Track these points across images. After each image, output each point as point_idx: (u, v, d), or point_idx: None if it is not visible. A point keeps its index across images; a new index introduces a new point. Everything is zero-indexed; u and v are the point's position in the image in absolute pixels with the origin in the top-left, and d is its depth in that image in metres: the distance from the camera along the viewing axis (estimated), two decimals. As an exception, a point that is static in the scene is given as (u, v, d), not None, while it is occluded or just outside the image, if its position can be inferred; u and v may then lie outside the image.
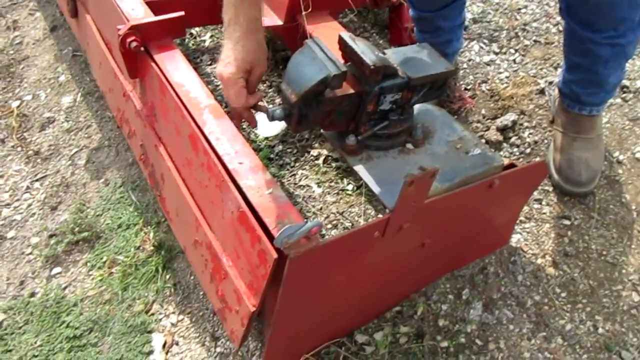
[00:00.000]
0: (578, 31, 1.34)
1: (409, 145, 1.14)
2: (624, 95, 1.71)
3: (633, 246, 1.41)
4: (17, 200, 1.67)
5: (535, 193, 1.51)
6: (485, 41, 1.92)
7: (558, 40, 1.85)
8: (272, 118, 1.02)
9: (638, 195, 1.49)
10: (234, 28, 1.02)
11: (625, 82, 1.72)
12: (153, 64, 1.27)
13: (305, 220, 0.93)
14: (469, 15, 2.00)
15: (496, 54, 1.88)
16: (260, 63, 1.04)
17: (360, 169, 1.09)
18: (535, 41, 1.89)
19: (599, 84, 1.43)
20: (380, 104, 1.07)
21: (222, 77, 1.03)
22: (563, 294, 1.34)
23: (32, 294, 1.45)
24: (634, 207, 1.47)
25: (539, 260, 1.40)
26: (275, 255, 0.91)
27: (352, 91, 1.03)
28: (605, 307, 1.32)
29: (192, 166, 1.16)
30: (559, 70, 1.66)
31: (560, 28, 1.87)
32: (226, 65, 1.02)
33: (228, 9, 1.04)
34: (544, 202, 1.50)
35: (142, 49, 1.29)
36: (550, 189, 1.52)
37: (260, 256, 0.95)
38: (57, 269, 1.50)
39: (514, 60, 1.85)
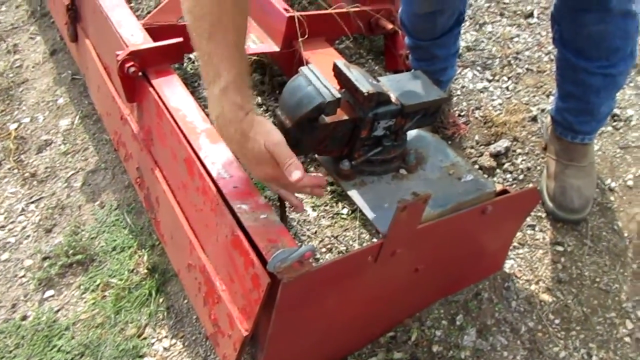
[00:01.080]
0: (571, 60, 1.37)
1: (402, 171, 1.16)
2: (615, 123, 1.73)
3: (626, 273, 1.42)
4: (12, 222, 1.67)
5: (528, 219, 1.52)
6: (479, 69, 1.95)
7: (550, 68, 1.89)
8: None
9: (630, 223, 1.50)
10: (227, 128, 0.96)
11: (616, 110, 1.75)
12: (151, 89, 1.28)
13: (298, 244, 0.93)
14: (462, 44, 2.04)
15: (489, 81, 1.91)
16: (269, 138, 0.96)
17: (354, 194, 1.10)
18: (527, 69, 1.93)
19: (590, 112, 1.45)
20: (374, 130, 1.08)
21: (273, 180, 0.99)
22: (557, 321, 1.34)
23: (24, 317, 1.44)
24: (626, 235, 1.48)
25: (533, 287, 1.40)
26: (268, 280, 0.91)
27: (346, 117, 1.05)
28: (599, 334, 1.32)
29: (187, 190, 1.17)
30: (551, 98, 1.68)
31: (552, 57, 1.90)
32: (258, 165, 0.97)
33: (212, 105, 0.97)
34: (537, 228, 1.51)
35: (140, 73, 1.31)
36: (544, 215, 1.53)
37: (253, 280, 0.95)
38: (49, 292, 1.49)
39: (507, 88, 1.88)
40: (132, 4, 2.15)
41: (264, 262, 0.92)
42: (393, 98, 1.08)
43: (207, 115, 1.08)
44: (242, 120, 0.95)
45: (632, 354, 1.28)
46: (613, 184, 1.58)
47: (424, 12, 1.50)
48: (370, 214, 1.06)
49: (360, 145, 1.10)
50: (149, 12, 1.94)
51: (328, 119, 1.02)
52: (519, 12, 2.16)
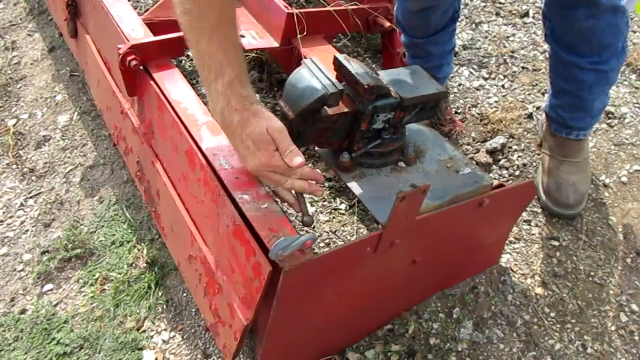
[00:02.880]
0: (563, 56, 1.39)
1: (401, 164, 1.17)
2: (609, 121, 1.76)
3: (620, 267, 1.44)
4: (11, 217, 1.67)
5: (524, 214, 1.54)
6: (475, 67, 1.98)
7: (545, 67, 1.91)
8: None
9: (624, 218, 1.52)
10: (231, 115, 0.97)
11: (610, 108, 1.78)
12: (152, 82, 1.29)
13: (299, 233, 0.95)
14: (459, 42, 2.06)
15: (485, 79, 1.93)
16: (272, 124, 0.97)
17: (353, 185, 1.11)
18: (523, 68, 1.95)
19: (584, 108, 1.47)
20: (373, 122, 1.10)
21: (266, 165, 0.98)
22: (552, 314, 1.36)
23: (23, 311, 1.44)
24: (620, 230, 1.50)
25: (529, 280, 1.42)
26: (269, 268, 0.92)
27: (347, 110, 1.06)
28: (593, 327, 1.33)
29: (188, 181, 1.18)
30: (546, 95, 1.71)
31: (547, 56, 1.93)
32: (254, 152, 0.97)
33: (214, 99, 0.98)
34: (533, 223, 1.53)
35: (141, 67, 1.32)
36: (539, 210, 1.55)
37: (254, 269, 0.96)
38: (48, 286, 1.50)
39: (503, 86, 1.91)
40: (130, 1, 2.16)
41: (265, 251, 0.93)
42: (392, 91, 1.10)
43: (208, 108, 1.08)
44: (248, 108, 0.97)
45: (626, 346, 1.30)
46: (607, 180, 1.60)
47: (417, 8, 1.52)
48: (369, 205, 1.08)
49: (360, 137, 1.11)
50: (147, 10, 1.95)
51: (330, 111, 1.03)
52: (514, 12, 2.19)
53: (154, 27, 1.48)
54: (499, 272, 1.43)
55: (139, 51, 1.30)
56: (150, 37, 1.37)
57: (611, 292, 1.39)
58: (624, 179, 1.60)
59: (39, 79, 2.10)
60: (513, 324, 1.34)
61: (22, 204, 1.70)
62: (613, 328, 1.33)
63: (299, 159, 0.94)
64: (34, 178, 1.77)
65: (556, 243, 1.49)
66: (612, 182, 1.60)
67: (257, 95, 1.90)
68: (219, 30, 0.95)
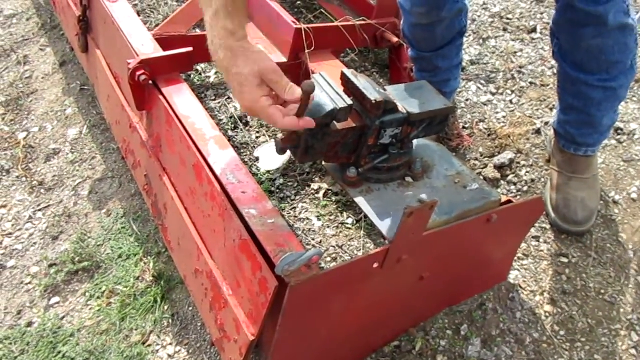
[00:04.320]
0: (571, 73, 1.39)
1: (409, 179, 1.17)
2: (618, 137, 1.75)
3: (631, 285, 1.42)
4: (19, 229, 1.68)
5: (532, 230, 1.52)
6: (483, 82, 1.98)
7: (553, 82, 1.91)
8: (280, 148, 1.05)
9: (634, 235, 1.51)
10: (216, 53, 0.95)
11: (619, 124, 1.77)
12: (161, 97, 1.30)
13: (306, 248, 0.94)
14: (466, 57, 2.06)
15: (493, 94, 1.93)
16: (265, 65, 0.94)
17: (360, 200, 1.11)
18: (531, 83, 1.95)
19: (592, 125, 1.47)
20: (380, 137, 1.10)
21: (251, 110, 0.96)
22: (562, 332, 1.34)
23: (29, 324, 1.45)
24: (630, 247, 1.49)
25: (538, 298, 1.40)
26: (276, 283, 0.92)
27: (355, 125, 1.06)
28: (604, 346, 1.31)
29: (195, 195, 1.18)
30: (554, 111, 1.70)
31: (555, 71, 1.92)
32: (241, 93, 0.95)
33: (207, 32, 0.96)
34: (541, 240, 1.52)
35: (151, 82, 1.34)
36: (548, 226, 1.54)
37: (261, 284, 0.96)
38: (55, 299, 1.50)
39: (511, 101, 1.90)
40: (140, 17, 2.19)
41: (271, 266, 0.93)
42: (400, 106, 1.10)
43: (216, 122, 1.09)
44: (231, 46, 0.94)
45: (638, 366, 1.28)
46: (617, 197, 1.59)
47: (423, 22, 1.53)
48: (376, 221, 1.07)
49: (367, 152, 1.11)
50: (157, 25, 1.97)
51: (339, 126, 1.04)
52: (522, 28, 2.19)
53: (164, 42, 1.49)
54: (507, 289, 1.42)
55: (148, 66, 1.31)
56: (160, 52, 1.38)
57: (622, 310, 1.37)
58: (634, 195, 1.59)
59: (50, 93, 2.13)
60: (522, 342, 1.32)
61: (30, 217, 1.71)
62: (624, 347, 1.31)
63: (296, 91, 0.94)
64: (43, 191, 1.78)
65: (565, 260, 1.47)
66: (621, 198, 1.59)
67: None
68: None
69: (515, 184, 1.65)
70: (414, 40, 1.63)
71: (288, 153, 1.10)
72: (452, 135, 1.74)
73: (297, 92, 0.94)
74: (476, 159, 1.72)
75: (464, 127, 1.82)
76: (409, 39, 1.65)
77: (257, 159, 1.73)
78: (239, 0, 0.95)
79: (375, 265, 0.99)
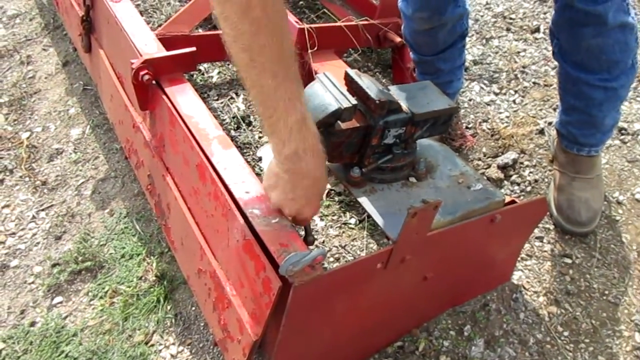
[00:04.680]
0: (571, 73, 1.38)
1: (412, 179, 1.17)
2: (622, 137, 1.74)
3: (635, 286, 1.41)
4: (22, 229, 1.68)
5: (536, 231, 1.52)
6: (486, 82, 1.97)
7: (556, 82, 1.90)
8: None
9: (638, 236, 1.50)
10: (310, 159, 0.88)
11: (623, 124, 1.76)
12: (164, 96, 1.30)
13: (309, 249, 0.94)
14: (469, 57, 2.06)
15: (496, 94, 1.93)
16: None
17: (364, 200, 1.11)
18: (534, 83, 1.95)
19: (594, 125, 1.46)
20: (384, 137, 1.10)
21: (299, 217, 0.97)
22: (565, 333, 1.34)
23: (32, 323, 1.45)
24: (634, 247, 1.48)
25: (541, 298, 1.40)
26: (279, 283, 0.91)
27: (359, 125, 1.06)
28: (608, 347, 1.31)
29: (198, 195, 1.18)
30: (557, 111, 1.70)
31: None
32: (310, 207, 0.96)
33: (279, 138, 0.87)
34: (545, 240, 1.51)
35: (154, 82, 1.34)
36: (551, 227, 1.54)
37: (264, 284, 0.96)
38: (58, 299, 1.50)
39: (514, 101, 1.90)
40: (143, 17, 2.19)
41: (275, 266, 0.93)
42: (403, 107, 1.10)
43: (219, 122, 1.08)
44: (320, 152, 0.90)
45: (642, 367, 1.27)
46: (621, 197, 1.59)
47: (424, 28, 1.52)
48: (380, 221, 1.07)
49: (371, 152, 1.11)
50: (160, 25, 1.98)
51: (343, 125, 1.04)
52: (525, 27, 2.19)
53: (167, 42, 1.49)
54: (510, 290, 1.41)
55: (151, 66, 1.31)
56: (163, 52, 1.38)
57: (626, 311, 1.37)
58: (638, 196, 1.58)
59: (53, 93, 2.13)
60: (525, 343, 1.32)
61: (34, 217, 1.71)
62: (628, 348, 1.30)
63: None
64: (46, 191, 1.79)
65: (569, 260, 1.47)
66: (625, 199, 1.58)
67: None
68: (282, 64, 0.84)
69: (518, 184, 1.64)
70: (415, 44, 1.63)
71: None
72: (456, 136, 1.74)
73: None
74: (479, 159, 1.72)
75: (467, 127, 1.82)
76: (410, 44, 1.65)
77: (260, 158, 1.73)
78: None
79: (379, 266, 0.99)
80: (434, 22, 1.49)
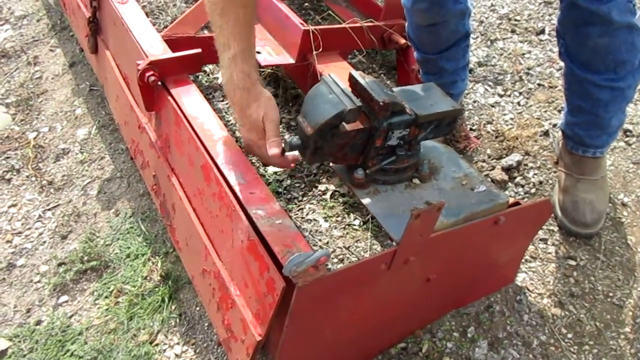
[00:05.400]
0: (578, 73, 1.38)
1: (416, 180, 1.17)
2: (627, 138, 1.74)
3: (639, 288, 1.41)
4: (29, 228, 1.70)
5: (540, 232, 1.52)
6: (490, 84, 1.97)
7: (561, 84, 1.90)
8: (289, 148, 1.06)
9: (643, 237, 1.50)
10: (234, 92, 1.10)
11: (628, 126, 1.76)
12: (169, 98, 1.31)
13: (313, 249, 0.95)
14: (474, 59, 2.06)
15: (501, 96, 1.93)
16: (270, 114, 1.09)
17: (367, 202, 1.11)
18: (539, 85, 1.94)
19: (600, 126, 1.46)
20: (388, 139, 1.10)
21: (248, 146, 1.14)
22: (569, 335, 1.34)
23: (38, 322, 1.46)
24: (639, 249, 1.48)
25: (545, 300, 1.40)
26: (283, 284, 0.92)
27: (363, 126, 1.07)
28: (612, 349, 1.31)
29: (203, 196, 1.19)
30: (562, 112, 1.70)
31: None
32: (249, 131, 1.11)
33: (222, 70, 1.11)
34: (549, 242, 1.51)
35: (159, 83, 1.34)
36: (556, 228, 1.53)
37: (268, 285, 0.96)
38: (64, 298, 1.51)
39: (519, 103, 1.90)
40: (149, 19, 2.20)
41: (279, 266, 0.93)
42: (407, 108, 1.10)
43: (224, 123, 1.11)
44: (249, 89, 1.08)
45: (646, 370, 1.27)
46: (626, 199, 1.58)
47: (425, 24, 1.52)
48: (383, 222, 1.07)
49: (375, 154, 1.11)
50: (165, 27, 1.99)
51: (348, 127, 1.04)
52: (530, 29, 2.19)
53: (173, 43, 1.50)
54: (514, 291, 1.41)
55: (157, 67, 1.32)
56: (169, 54, 1.39)
57: (630, 313, 1.36)
58: (643, 198, 1.58)
59: (60, 93, 2.15)
60: (529, 345, 1.32)
61: (40, 216, 1.73)
62: (632, 351, 1.30)
63: (275, 150, 1.07)
64: (52, 190, 1.80)
65: (573, 262, 1.46)
66: (630, 201, 1.58)
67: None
68: (229, 7, 1.07)
69: (522, 186, 1.64)
70: (418, 42, 1.63)
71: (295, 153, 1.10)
72: (460, 137, 1.74)
73: (272, 150, 1.08)
74: (484, 161, 1.72)
75: (471, 129, 1.82)
76: (413, 41, 1.65)
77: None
78: (253, 47, 1.11)
79: (383, 267, 0.99)
80: (434, 15, 1.49)
